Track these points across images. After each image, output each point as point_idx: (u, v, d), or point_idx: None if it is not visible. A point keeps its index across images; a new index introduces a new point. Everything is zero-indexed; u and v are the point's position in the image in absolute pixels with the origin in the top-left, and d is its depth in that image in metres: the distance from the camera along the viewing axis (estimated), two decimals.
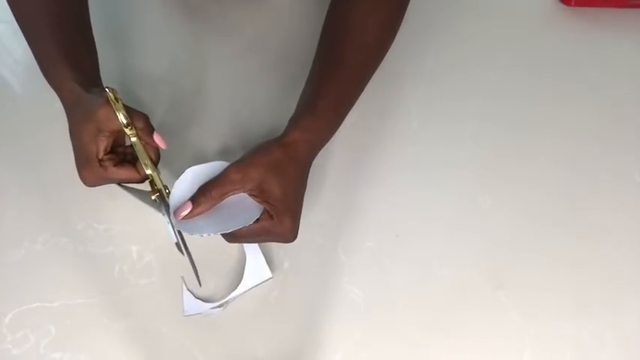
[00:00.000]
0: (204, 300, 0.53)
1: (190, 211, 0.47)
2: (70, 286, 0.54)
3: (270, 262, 0.55)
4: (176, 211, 0.48)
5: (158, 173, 0.50)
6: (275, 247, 0.56)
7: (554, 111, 0.65)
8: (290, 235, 0.49)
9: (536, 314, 0.52)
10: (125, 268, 0.55)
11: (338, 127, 0.54)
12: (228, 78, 0.68)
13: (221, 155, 0.62)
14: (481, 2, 0.76)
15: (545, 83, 0.68)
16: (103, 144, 0.48)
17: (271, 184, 0.48)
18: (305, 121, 0.51)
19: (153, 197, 0.50)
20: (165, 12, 0.74)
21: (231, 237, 0.49)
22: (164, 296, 0.54)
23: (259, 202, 0.48)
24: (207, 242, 0.51)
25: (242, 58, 0.70)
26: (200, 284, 0.51)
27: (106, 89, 0.48)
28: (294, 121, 0.52)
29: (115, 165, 0.49)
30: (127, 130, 0.49)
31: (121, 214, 0.58)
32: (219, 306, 0.52)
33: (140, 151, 0.49)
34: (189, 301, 0.53)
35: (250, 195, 0.48)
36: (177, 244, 0.50)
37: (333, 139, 0.54)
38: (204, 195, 0.48)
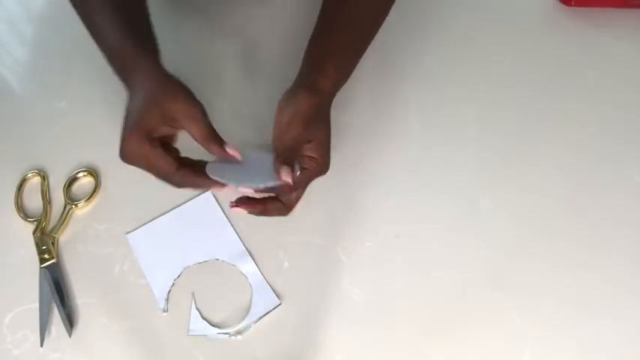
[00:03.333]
0: (210, 324, 0.52)
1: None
2: (70, 286, 0.54)
3: (270, 263, 0.55)
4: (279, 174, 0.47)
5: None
6: (274, 247, 0.56)
7: (554, 111, 0.65)
8: (326, 171, 0.52)
9: (536, 315, 0.52)
10: (125, 268, 0.55)
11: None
12: (228, 77, 0.68)
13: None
14: (481, 2, 0.76)
15: (545, 83, 0.68)
16: (162, 129, 0.48)
17: (321, 135, 0.51)
18: (330, 70, 0.53)
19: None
20: (164, 12, 0.74)
21: (289, 187, 0.49)
22: None
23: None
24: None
25: (242, 58, 0.70)
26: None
27: None
28: (319, 69, 0.53)
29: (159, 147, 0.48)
30: None
31: (121, 214, 0.58)
32: (226, 333, 0.51)
33: None
34: (195, 320, 0.52)
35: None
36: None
37: (332, 139, 0.54)
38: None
